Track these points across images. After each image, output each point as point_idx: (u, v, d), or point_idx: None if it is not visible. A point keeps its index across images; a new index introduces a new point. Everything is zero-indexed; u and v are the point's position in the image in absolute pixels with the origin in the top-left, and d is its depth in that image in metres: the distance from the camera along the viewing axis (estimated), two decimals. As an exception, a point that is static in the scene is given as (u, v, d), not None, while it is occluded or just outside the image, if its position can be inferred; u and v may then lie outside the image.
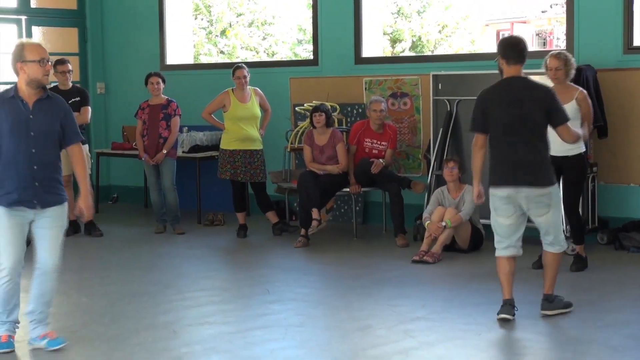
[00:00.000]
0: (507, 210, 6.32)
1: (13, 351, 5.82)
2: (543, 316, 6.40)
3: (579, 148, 7.82)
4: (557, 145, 7.86)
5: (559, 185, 7.93)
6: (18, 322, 5.97)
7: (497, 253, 6.44)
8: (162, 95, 10.20)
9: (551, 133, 7.91)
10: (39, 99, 5.76)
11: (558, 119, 6.30)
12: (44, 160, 5.75)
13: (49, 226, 5.79)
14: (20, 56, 5.69)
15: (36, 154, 5.71)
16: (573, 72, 7.85)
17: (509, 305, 6.36)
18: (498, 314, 6.35)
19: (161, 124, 10.09)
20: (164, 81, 10.23)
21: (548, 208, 6.32)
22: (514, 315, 6.35)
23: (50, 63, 5.76)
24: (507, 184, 6.27)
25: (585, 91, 7.91)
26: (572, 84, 7.89)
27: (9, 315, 5.89)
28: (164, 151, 10.01)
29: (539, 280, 7.60)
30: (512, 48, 6.34)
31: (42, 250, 5.83)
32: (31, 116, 5.71)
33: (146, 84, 10.22)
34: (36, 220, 5.79)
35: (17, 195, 5.69)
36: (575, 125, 7.85)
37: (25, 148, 5.68)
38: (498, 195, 6.32)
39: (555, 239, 6.44)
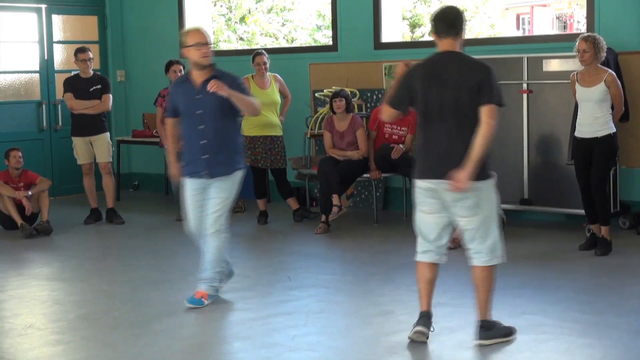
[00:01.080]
0: (431, 206, 5.42)
1: (197, 307, 6.47)
2: (479, 345, 5.51)
3: (609, 129, 7.88)
4: (586, 127, 7.94)
5: (581, 166, 7.96)
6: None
7: (417, 257, 5.59)
8: (183, 83, 10.21)
9: (581, 112, 7.92)
10: (206, 79, 6.37)
11: (485, 97, 5.24)
12: (213, 134, 6.44)
13: (214, 195, 6.49)
14: (182, 43, 6.42)
15: (205, 129, 6.42)
16: (602, 54, 7.89)
17: (425, 318, 5.57)
18: (413, 328, 5.60)
19: (182, 111, 10.10)
20: (184, 68, 10.24)
21: (476, 209, 5.34)
22: (430, 329, 5.57)
23: (209, 45, 6.37)
24: (429, 177, 5.37)
25: (614, 73, 7.96)
26: (601, 66, 7.93)
27: (201, 272, 6.65)
28: (185, 138, 10.03)
29: (580, 261, 7.60)
30: (440, 18, 5.38)
31: (206, 215, 6.53)
32: (199, 96, 6.40)
33: (167, 71, 10.23)
34: (207, 189, 6.51)
35: (191, 167, 6.52)
36: (605, 108, 7.87)
37: (195, 125, 6.45)
38: (421, 187, 5.43)
39: (482, 247, 5.43)
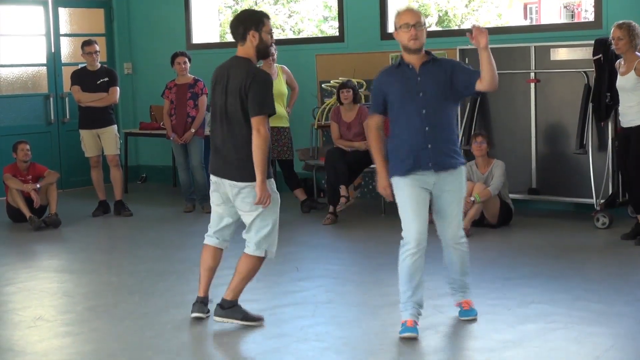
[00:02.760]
0: (214, 198, 5.93)
1: (416, 338, 5.49)
2: (215, 321, 5.87)
3: None
4: (623, 116, 7.92)
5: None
6: (421, 306, 5.67)
7: (205, 240, 6.07)
8: (189, 75, 10.21)
9: (624, 101, 7.86)
10: (425, 62, 5.58)
11: (253, 108, 5.51)
12: (435, 121, 5.54)
13: (446, 193, 5.64)
14: (395, 24, 5.65)
15: (427, 115, 5.52)
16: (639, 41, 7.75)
17: (201, 304, 5.99)
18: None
19: (189, 103, 10.11)
20: (189, 60, 10.24)
21: (249, 206, 5.68)
22: (206, 313, 5.97)
23: (420, 27, 5.53)
24: (213, 173, 5.83)
25: None
26: (638, 53, 7.79)
27: (412, 294, 5.62)
28: (192, 130, 10.04)
29: (589, 251, 7.58)
30: (230, 24, 5.69)
31: (441, 220, 5.78)
32: (419, 78, 5.55)
33: (172, 64, 10.23)
34: (434, 187, 5.62)
35: (412, 161, 5.54)
36: (638, 97, 7.77)
37: (416, 110, 5.53)
38: (211, 180, 5.91)
39: (253, 240, 5.75)
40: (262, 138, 5.51)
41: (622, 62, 7.88)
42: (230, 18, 5.32)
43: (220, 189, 5.78)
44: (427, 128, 5.53)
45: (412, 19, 5.54)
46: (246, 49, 5.59)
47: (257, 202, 5.60)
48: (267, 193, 5.59)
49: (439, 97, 5.55)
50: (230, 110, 5.57)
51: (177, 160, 10.45)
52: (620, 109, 7.95)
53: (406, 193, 5.57)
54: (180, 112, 10.13)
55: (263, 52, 5.65)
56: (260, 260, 5.81)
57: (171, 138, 10.20)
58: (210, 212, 9.99)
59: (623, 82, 7.81)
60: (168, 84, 10.31)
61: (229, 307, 5.84)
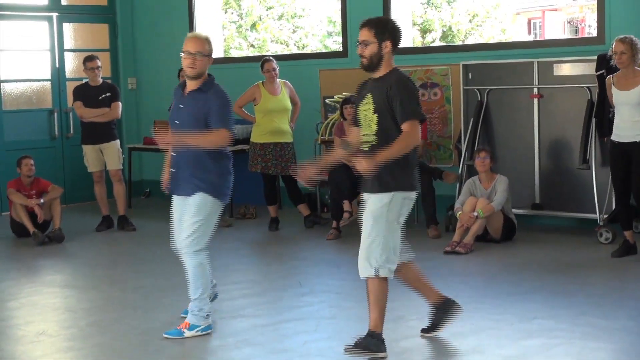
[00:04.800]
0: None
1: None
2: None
3: None
4: (624, 131, 7.75)
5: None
6: None
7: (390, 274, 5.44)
8: (193, 90, 10.22)
9: (618, 116, 7.82)
10: (191, 91, 6.07)
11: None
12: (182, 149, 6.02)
13: (185, 215, 6.03)
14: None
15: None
16: None
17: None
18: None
19: (193, 118, 10.12)
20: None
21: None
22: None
23: (201, 57, 5.95)
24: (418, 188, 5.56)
25: None
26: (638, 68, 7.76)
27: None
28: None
29: (592, 266, 7.57)
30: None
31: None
32: (180, 105, 6.09)
33: (179, 77, 10.25)
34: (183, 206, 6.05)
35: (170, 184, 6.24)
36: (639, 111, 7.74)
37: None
38: (412, 198, 5.49)
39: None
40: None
41: (619, 77, 7.80)
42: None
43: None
44: (173, 153, 6.09)
45: (194, 47, 5.95)
46: None
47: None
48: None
49: (192, 128, 5.93)
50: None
51: (180, 175, 10.44)
52: (621, 124, 7.79)
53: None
54: (184, 127, 10.13)
55: None
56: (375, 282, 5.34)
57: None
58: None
59: (626, 97, 7.71)
60: (173, 99, 10.31)
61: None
